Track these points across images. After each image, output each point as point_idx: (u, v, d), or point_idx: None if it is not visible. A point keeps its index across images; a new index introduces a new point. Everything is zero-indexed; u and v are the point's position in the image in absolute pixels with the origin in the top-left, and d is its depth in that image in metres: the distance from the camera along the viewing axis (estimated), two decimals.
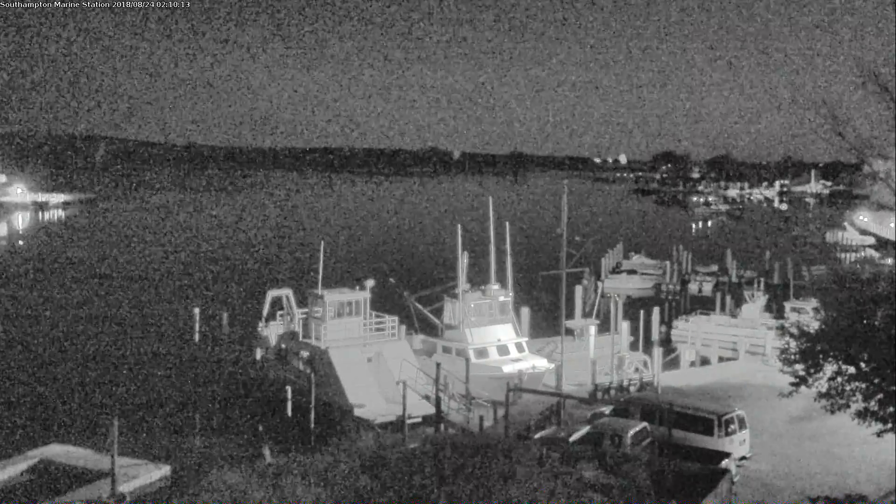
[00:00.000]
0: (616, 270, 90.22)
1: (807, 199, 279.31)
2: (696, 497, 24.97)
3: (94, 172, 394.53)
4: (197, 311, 59.91)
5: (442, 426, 38.72)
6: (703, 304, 71.49)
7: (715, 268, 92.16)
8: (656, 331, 59.10)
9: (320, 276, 46.77)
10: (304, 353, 44.62)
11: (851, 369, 26.36)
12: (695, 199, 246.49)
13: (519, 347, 46.72)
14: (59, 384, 48.21)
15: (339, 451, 22.54)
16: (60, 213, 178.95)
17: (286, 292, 49.52)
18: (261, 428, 41.32)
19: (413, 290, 50.97)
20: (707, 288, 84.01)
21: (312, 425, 40.07)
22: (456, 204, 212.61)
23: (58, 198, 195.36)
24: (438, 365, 41.66)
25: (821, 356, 26.76)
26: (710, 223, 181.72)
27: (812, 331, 27.24)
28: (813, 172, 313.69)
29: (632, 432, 30.67)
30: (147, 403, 44.54)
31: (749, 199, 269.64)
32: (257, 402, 45.07)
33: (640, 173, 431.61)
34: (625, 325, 52.91)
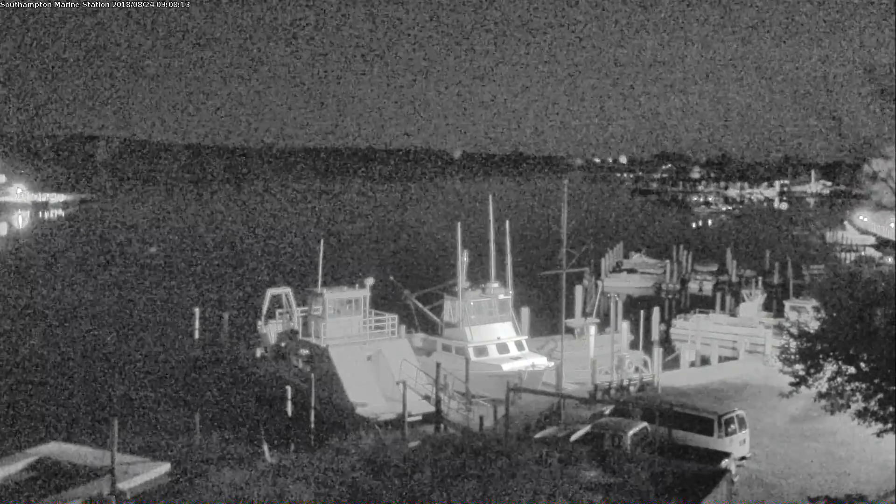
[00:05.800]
0: (616, 270, 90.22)
1: (807, 199, 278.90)
2: (696, 497, 24.95)
3: (95, 172, 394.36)
4: (197, 310, 59.86)
5: (442, 426, 38.69)
6: (702, 304, 71.47)
7: (715, 267, 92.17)
8: (656, 330, 59.03)
9: (320, 275, 46.74)
10: (304, 352, 44.58)
11: (851, 369, 26.35)
12: (695, 199, 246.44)
13: (519, 346, 46.65)
14: (58, 382, 48.19)
15: (339, 450, 22.53)
16: (60, 212, 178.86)
17: (286, 291, 49.47)
18: (261, 427, 41.30)
19: (413, 289, 50.92)
20: (707, 287, 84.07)
21: (312, 425, 40.04)
22: (456, 204, 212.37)
23: (58, 198, 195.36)
24: (438, 364, 41.62)
25: (821, 356, 26.76)
26: (710, 223, 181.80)
27: (812, 331, 27.24)
28: (813, 172, 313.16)
29: (632, 432, 30.63)
30: (147, 402, 44.51)
31: (749, 198, 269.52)
32: (257, 402, 45.04)
33: (641, 173, 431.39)
34: (625, 325, 52.89)
